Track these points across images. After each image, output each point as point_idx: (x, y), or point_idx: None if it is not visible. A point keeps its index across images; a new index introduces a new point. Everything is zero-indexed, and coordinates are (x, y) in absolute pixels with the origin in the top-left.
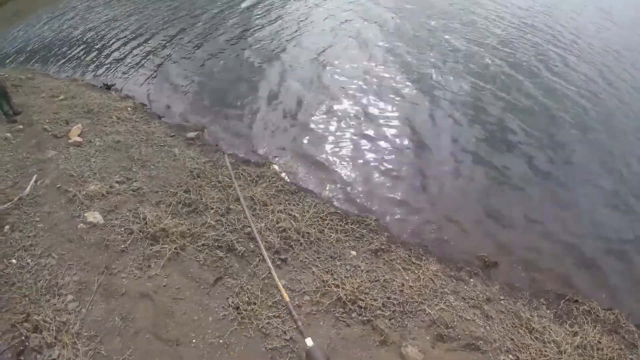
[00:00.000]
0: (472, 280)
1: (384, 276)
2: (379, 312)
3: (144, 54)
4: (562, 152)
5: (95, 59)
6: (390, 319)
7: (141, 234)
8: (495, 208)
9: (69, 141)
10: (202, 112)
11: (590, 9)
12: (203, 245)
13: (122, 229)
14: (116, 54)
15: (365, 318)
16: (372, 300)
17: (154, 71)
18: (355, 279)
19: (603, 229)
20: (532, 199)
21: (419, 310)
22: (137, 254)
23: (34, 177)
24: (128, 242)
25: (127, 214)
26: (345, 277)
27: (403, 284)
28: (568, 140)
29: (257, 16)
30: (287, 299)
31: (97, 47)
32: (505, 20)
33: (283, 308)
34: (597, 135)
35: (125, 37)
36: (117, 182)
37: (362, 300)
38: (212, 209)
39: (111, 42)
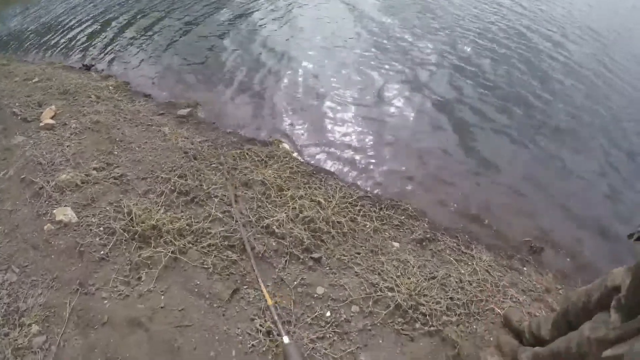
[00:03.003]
0: (525, 269)
1: (437, 271)
2: (445, 317)
3: (126, 33)
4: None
5: (73, 41)
6: (458, 325)
7: (126, 234)
8: (536, 185)
9: (40, 124)
10: (194, 87)
11: None
12: (209, 245)
13: (101, 229)
14: (96, 35)
15: (432, 328)
16: (435, 303)
17: (138, 48)
18: (409, 279)
19: None
20: (570, 179)
21: (486, 309)
22: (121, 263)
23: None
24: (109, 247)
25: (108, 208)
26: (396, 276)
27: (461, 280)
28: None
29: None
30: (270, 302)
31: (75, 30)
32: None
33: (327, 326)
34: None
35: (104, 17)
36: (94, 168)
37: (424, 304)
38: (217, 197)
39: (89, 24)
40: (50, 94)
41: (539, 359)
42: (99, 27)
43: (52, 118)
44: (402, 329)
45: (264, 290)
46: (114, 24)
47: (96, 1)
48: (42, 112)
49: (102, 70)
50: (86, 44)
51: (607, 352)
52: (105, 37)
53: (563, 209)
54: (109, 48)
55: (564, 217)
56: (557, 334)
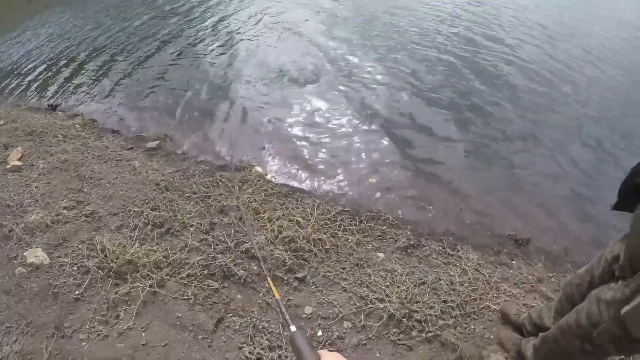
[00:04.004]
0: (514, 262)
1: (426, 276)
2: (441, 322)
3: (87, 71)
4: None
5: (36, 83)
6: (455, 327)
7: (101, 271)
8: (509, 179)
9: (7, 167)
10: (162, 120)
11: None
12: (188, 276)
13: (75, 268)
14: (58, 75)
15: (429, 334)
16: (429, 308)
17: (101, 85)
18: (399, 287)
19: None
20: (544, 170)
21: (482, 308)
22: (98, 302)
23: None
24: (84, 286)
25: (80, 246)
26: (385, 286)
27: (452, 282)
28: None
29: (198, 20)
30: (278, 296)
31: (36, 71)
32: None
33: (320, 345)
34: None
35: (64, 57)
36: (64, 207)
37: (417, 311)
38: (192, 226)
39: (50, 65)
40: (16, 136)
41: (548, 341)
42: (60, 67)
43: (19, 160)
44: (399, 339)
45: (271, 284)
46: (73, 63)
47: (53, 42)
48: (8, 155)
49: (68, 109)
50: (50, 85)
51: (626, 309)
52: (67, 77)
53: (542, 199)
54: (73, 87)
55: (545, 207)
56: (561, 319)
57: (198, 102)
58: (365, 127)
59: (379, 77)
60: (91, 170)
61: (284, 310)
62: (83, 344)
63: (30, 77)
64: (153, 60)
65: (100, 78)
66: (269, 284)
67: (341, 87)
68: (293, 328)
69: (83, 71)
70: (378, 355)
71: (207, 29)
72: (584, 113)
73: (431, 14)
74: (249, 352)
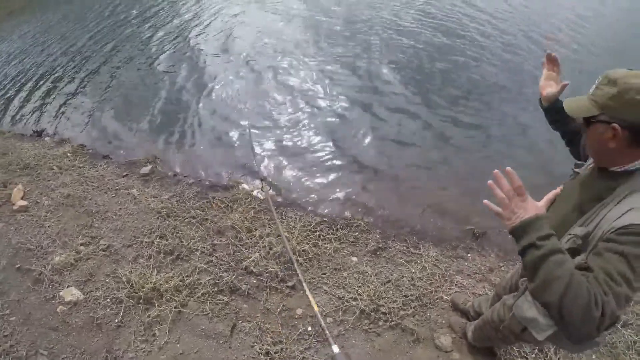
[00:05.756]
0: (469, 255)
1: (392, 275)
2: (402, 312)
3: (66, 91)
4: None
5: (16, 108)
6: (414, 316)
7: (131, 300)
8: (467, 179)
9: (14, 208)
10: (150, 140)
11: None
12: (203, 294)
13: (109, 300)
14: (38, 98)
15: (392, 323)
16: (392, 302)
17: (82, 106)
18: (369, 286)
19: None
20: (497, 160)
21: (437, 298)
22: (136, 325)
23: None
24: (121, 314)
25: (107, 280)
26: (357, 287)
27: (412, 278)
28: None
29: (165, 28)
30: (317, 309)
31: (14, 96)
32: None
33: (311, 338)
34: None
35: (42, 77)
36: (81, 244)
37: (383, 305)
38: (197, 250)
39: (27, 87)
40: (11, 171)
41: (477, 328)
42: (39, 87)
43: (22, 198)
44: (369, 329)
45: (311, 298)
46: (51, 83)
47: (17, 59)
48: (10, 194)
49: (54, 134)
50: (31, 109)
51: (509, 302)
52: (48, 98)
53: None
54: (55, 110)
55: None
56: None
57: (181, 119)
58: (336, 142)
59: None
60: (95, 204)
61: (323, 325)
62: None
63: (11, 103)
64: (136, 78)
65: (78, 96)
66: (309, 300)
67: (320, 94)
68: (336, 349)
69: (58, 90)
70: (354, 341)
71: (176, 38)
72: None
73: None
74: (259, 349)
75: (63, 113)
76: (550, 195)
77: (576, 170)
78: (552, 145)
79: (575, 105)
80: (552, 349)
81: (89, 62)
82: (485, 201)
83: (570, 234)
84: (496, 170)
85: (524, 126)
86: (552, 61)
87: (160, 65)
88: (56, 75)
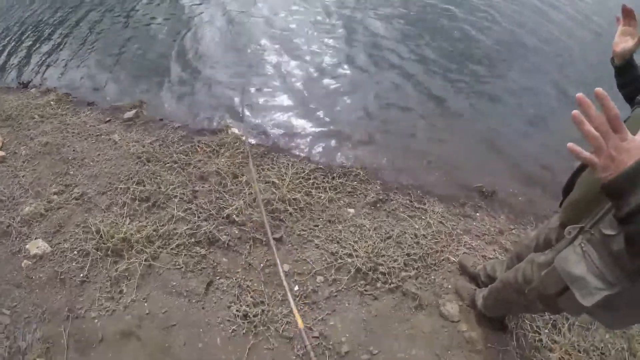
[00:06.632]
0: (478, 214)
1: (392, 230)
2: (403, 273)
3: (53, 42)
4: None
5: (1, 60)
6: (416, 278)
7: (99, 252)
8: (479, 132)
9: None
10: (135, 86)
11: None
12: (178, 246)
13: (75, 253)
14: (24, 50)
15: (392, 285)
16: (393, 261)
17: (70, 56)
18: (366, 242)
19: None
20: (513, 123)
21: (442, 260)
22: (101, 281)
23: None
24: (87, 268)
25: (76, 230)
26: (354, 242)
27: (416, 235)
28: None
29: None
30: (302, 324)
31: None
32: None
33: (297, 299)
34: None
35: (24, 31)
36: (54, 193)
37: (382, 264)
38: (176, 197)
39: (11, 40)
40: None
41: (493, 292)
42: (24, 41)
43: (0, 149)
44: (365, 290)
45: (295, 312)
46: (35, 35)
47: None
48: None
49: (40, 84)
50: (17, 60)
51: (541, 259)
52: (34, 50)
53: (511, 152)
54: (42, 60)
55: (513, 160)
56: None
57: (169, 63)
58: (336, 83)
59: (349, 34)
60: (73, 150)
61: (308, 345)
62: (96, 321)
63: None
64: (123, 23)
65: (64, 47)
66: (294, 315)
67: (310, 47)
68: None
69: (44, 42)
70: (347, 305)
71: None
72: (561, 64)
73: None
74: (237, 310)
75: (48, 64)
76: None
77: None
78: None
79: None
80: (567, 325)
81: (75, 13)
82: (570, 144)
83: None
84: (580, 94)
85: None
86: (628, 14)
87: (144, 13)
88: (40, 28)
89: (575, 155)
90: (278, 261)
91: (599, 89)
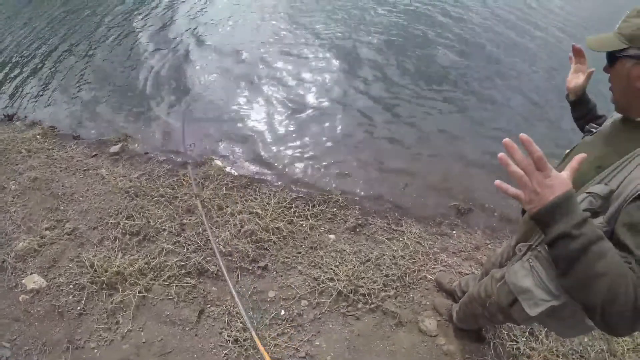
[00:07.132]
0: (454, 232)
1: (372, 253)
2: (383, 294)
3: (39, 74)
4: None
5: None
6: (396, 297)
7: (94, 286)
8: (454, 149)
9: None
10: (120, 119)
11: None
12: (169, 277)
13: (71, 286)
14: (9, 82)
15: (372, 305)
16: (372, 283)
17: (55, 89)
18: (347, 266)
19: None
20: (484, 137)
21: (420, 278)
22: (98, 313)
23: None
24: (83, 301)
25: (71, 265)
26: (335, 266)
27: (394, 256)
28: None
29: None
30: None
31: None
32: None
33: (284, 322)
34: None
35: (8, 62)
36: (46, 228)
37: (362, 286)
38: (165, 230)
39: None
40: None
41: (462, 305)
42: (9, 72)
43: None
44: (348, 312)
45: (261, 348)
46: (21, 67)
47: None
48: None
49: (26, 117)
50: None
51: (498, 274)
52: (19, 82)
53: (485, 168)
54: (26, 93)
55: (488, 175)
56: None
57: (151, 96)
58: (312, 112)
59: (329, 61)
60: (62, 186)
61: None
62: (95, 351)
63: None
64: (105, 58)
65: (54, 80)
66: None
67: (286, 79)
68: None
69: (35, 75)
70: (331, 326)
71: (151, 17)
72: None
73: None
74: (227, 335)
75: (33, 97)
76: (575, 163)
77: (592, 129)
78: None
79: (599, 40)
80: (544, 332)
81: (58, 46)
82: (497, 182)
83: (587, 193)
84: (507, 139)
85: (516, 97)
86: (578, 53)
87: (134, 43)
88: (24, 60)
89: (503, 192)
90: (233, 290)
91: (523, 135)
